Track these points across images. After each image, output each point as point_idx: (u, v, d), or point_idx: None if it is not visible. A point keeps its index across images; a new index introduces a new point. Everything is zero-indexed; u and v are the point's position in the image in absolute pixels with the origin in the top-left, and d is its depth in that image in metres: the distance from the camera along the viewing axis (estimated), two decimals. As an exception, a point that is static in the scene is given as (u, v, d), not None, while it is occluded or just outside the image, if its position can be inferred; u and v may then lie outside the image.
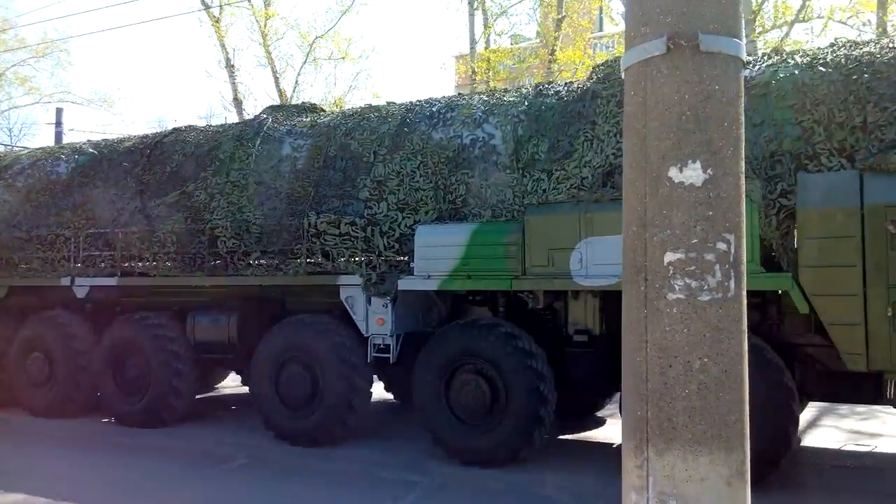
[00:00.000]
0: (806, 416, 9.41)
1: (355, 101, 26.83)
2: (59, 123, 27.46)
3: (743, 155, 2.65)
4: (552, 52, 23.32)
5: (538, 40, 27.04)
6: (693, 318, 2.48)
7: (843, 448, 8.44)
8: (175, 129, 10.67)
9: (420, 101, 8.93)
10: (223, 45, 25.24)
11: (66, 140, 26.58)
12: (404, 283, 8.01)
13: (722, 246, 2.51)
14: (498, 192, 7.84)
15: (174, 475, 7.39)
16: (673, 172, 2.56)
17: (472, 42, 23.77)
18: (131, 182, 10.16)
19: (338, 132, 8.99)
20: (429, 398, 7.78)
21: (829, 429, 9.42)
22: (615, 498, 6.50)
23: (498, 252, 7.52)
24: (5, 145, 46.28)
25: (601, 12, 32.83)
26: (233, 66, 25.33)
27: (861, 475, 7.37)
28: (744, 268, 2.57)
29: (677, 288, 2.51)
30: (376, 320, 8.19)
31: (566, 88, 8.11)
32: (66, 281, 10.26)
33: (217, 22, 25.03)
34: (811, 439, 8.85)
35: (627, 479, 2.55)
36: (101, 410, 10.10)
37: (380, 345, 8.19)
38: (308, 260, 8.66)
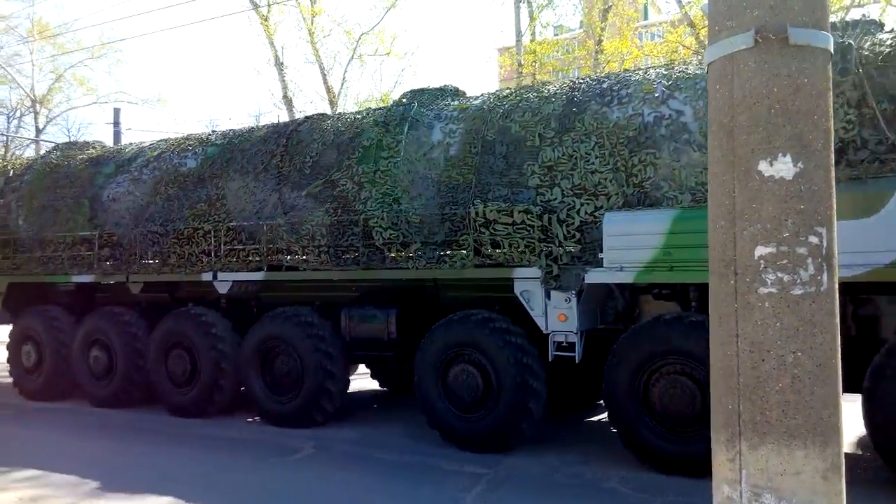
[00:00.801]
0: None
1: (401, 97, 26.90)
2: (117, 123, 28.11)
3: (832, 148, 2.63)
4: (598, 43, 23.16)
5: (582, 31, 26.85)
6: (786, 311, 2.48)
7: None
8: (308, 118, 10.30)
9: (584, 79, 8.39)
10: (272, 43, 25.60)
11: (123, 139, 27.24)
12: (593, 276, 7.35)
13: (814, 239, 2.51)
14: (696, 174, 7.15)
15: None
16: (763, 166, 2.57)
17: (518, 34, 23.71)
18: (270, 173, 9.75)
19: (494, 115, 8.39)
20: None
21: None
22: (678, 489, 6.54)
23: (706, 240, 7.10)
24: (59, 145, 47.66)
25: (647, 1, 32.46)
26: (282, 63, 25.67)
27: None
28: (836, 261, 2.56)
29: (769, 282, 2.51)
30: (557, 316, 7.61)
31: None
32: (207, 276, 9.96)
33: (265, 20, 25.38)
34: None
35: (719, 472, 2.56)
36: (244, 408, 10.11)
37: (562, 342, 7.63)
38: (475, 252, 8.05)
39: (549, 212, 7.68)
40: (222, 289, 9.92)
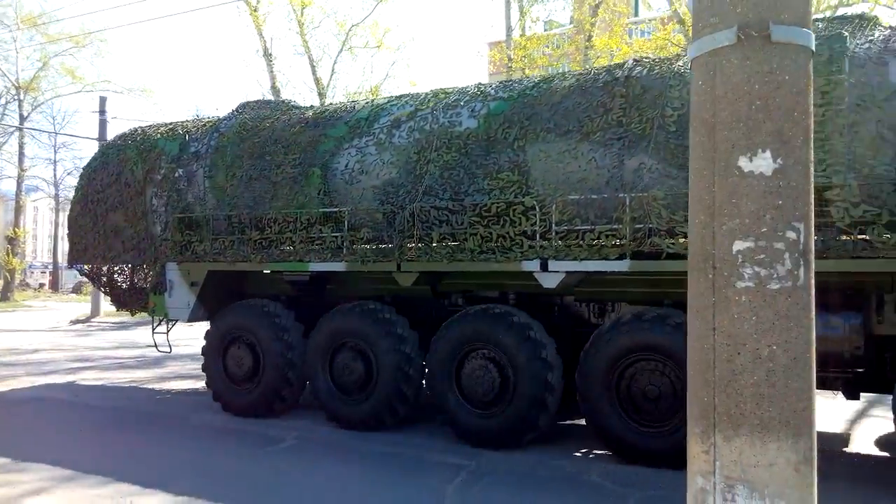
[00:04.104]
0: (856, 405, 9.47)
1: (391, 90, 26.99)
2: (102, 111, 27.94)
3: (812, 145, 2.66)
4: (589, 39, 23.20)
5: (572, 26, 26.89)
6: (762, 305, 2.51)
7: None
8: (637, 61, 8.03)
9: None
10: (261, 34, 25.50)
11: (109, 129, 27.07)
12: None
13: (791, 234, 2.54)
14: None
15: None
16: (743, 162, 2.59)
17: (509, 29, 23.73)
18: (608, 132, 7.54)
19: None
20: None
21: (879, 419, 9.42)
22: (659, 483, 6.60)
23: None
24: (49, 133, 47.28)
25: (637, -2, 32.52)
26: (270, 54, 25.58)
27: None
28: (812, 256, 2.59)
29: (746, 276, 2.54)
30: None
31: None
32: (530, 265, 7.67)
33: (255, 11, 25.27)
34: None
35: (694, 463, 2.60)
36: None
37: None
38: None
39: None
40: (550, 282, 7.66)
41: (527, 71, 22.29)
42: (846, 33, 6.90)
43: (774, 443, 2.43)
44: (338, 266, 8.81)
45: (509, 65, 22.84)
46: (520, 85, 8.69)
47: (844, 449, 8.11)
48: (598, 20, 23.43)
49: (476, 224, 7.95)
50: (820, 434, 8.49)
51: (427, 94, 9.36)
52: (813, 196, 2.64)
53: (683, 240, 6.68)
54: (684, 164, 6.54)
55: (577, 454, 7.63)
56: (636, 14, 35.89)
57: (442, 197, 8.27)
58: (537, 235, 7.63)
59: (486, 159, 8.21)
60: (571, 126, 7.78)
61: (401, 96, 9.65)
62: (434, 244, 8.21)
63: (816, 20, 7.56)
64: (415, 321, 8.73)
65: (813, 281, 2.59)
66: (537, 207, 7.64)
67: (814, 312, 2.59)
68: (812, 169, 2.65)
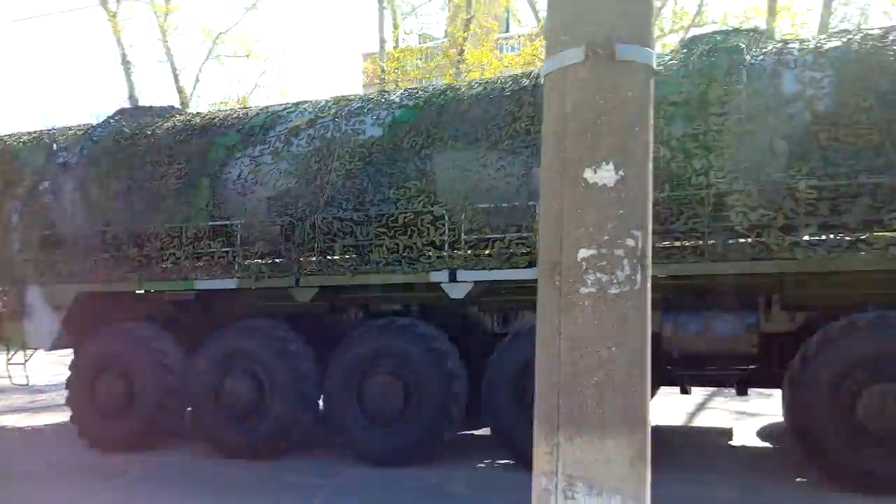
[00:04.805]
0: (695, 398, 10.20)
1: (260, 100, 26.51)
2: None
3: (651, 157, 2.83)
4: (461, 52, 23.62)
5: (446, 40, 27.31)
6: (603, 310, 2.63)
7: (727, 427, 9.30)
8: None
9: None
10: (119, 41, 24.45)
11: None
12: None
13: (630, 242, 2.68)
14: None
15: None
16: (588, 173, 2.71)
17: (382, 41, 23.82)
18: (517, 140, 7.63)
19: (887, 58, 6.88)
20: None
21: (716, 411, 10.17)
22: (523, 486, 6.74)
23: None
24: None
25: (508, 14, 33.43)
26: (129, 62, 24.55)
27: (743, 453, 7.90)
28: (649, 262, 2.75)
29: (589, 282, 2.66)
30: None
31: None
32: (438, 276, 7.55)
33: (114, 17, 24.20)
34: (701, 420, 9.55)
35: (539, 464, 2.68)
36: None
37: None
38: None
39: None
40: (457, 292, 7.56)
41: (400, 83, 22.43)
42: (743, 45, 7.42)
43: (612, 440, 2.55)
44: (228, 283, 8.28)
45: (383, 76, 22.90)
46: (425, 93, 8.71)
47: (730, 442, 8.74)
48: (469, 34, 23.88)
49: (382, 235, 7.83)
50: (703, 429, 9.26)
51: (328, 101, 9.16)
52: (651, 205, 2.81)
53: None
54: None
55: (441, 466, 7.65)
56: (507, 30, 36.85)
57: (345, 207, 8.08)
58: (446, 245, 7.59)
59: (391, 168, 8.11)
60: (479, 134, 7.84)
61: (298, 103, 9.33)
62: (337, 257, 7.99)
63: (715, 32, 8.18)
64: (310, 338, 8.39)
65: (650, 285, 2.75)
66: (446, 217, 7.59)
67: (650, 314, 2.74)
68: (651, 180, 2.82)
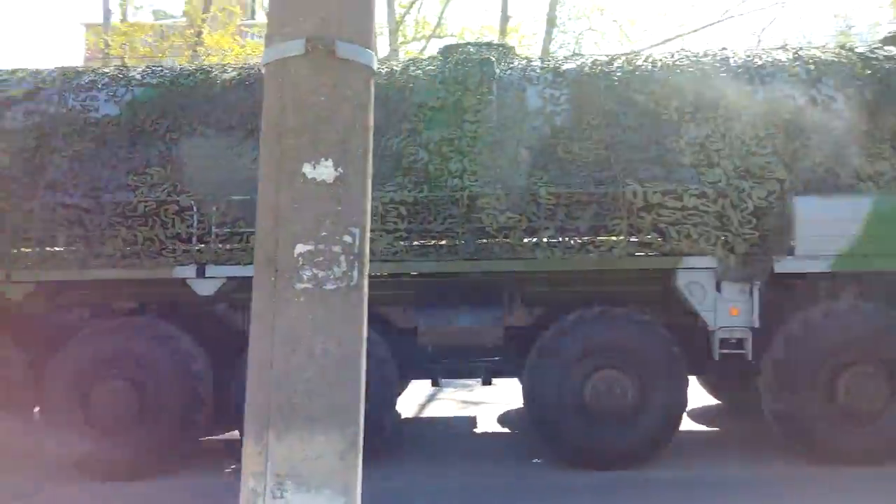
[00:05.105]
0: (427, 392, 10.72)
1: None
2: None
3: (371, 156, 2.88)
4: (199, 34, 22.51)
5: (184, 19, 25.92)
6: (318, 305, 2.64)
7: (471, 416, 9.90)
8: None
9: (717, 51, 8.05)
10: None
11: None
12: (784, 265, 7.01)
13: (348, 238, 2.71)
14: (869, 161, 7.23)
15: None
16: (307, 169, 2.69)
17: (107, 11, 21.95)
18: (254, 129, 7.18)
19: (612, 82, 7.69)
20: None
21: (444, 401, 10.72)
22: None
23: None
24: None
25: (254, 1, 32.53)
26: None
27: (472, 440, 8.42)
28: (367, 259, 2.80)
29: (305, 278, 2.64)
30: (729, 310, 7.10)
31: None
32: (185, 272, 7.05)
33: None
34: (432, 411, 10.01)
35: (247, 465, 2.61)
36: None
37: (729, 339, 7.16)
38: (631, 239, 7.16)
39: (723, 196, 7.15)
40: (206, 289, 7.09)
41: (127, 59, 20.79)
42: (493, 58, 7.89)
43: (322, 435, 2.56)
44: None
45: (106, 51, 21.08)
46: (172, 72, 8.17)
47: (474, 430, 9.28)
48: (209, 17, 22.83)
49: (118, 225, 7.18)
50: (450, 419, 9.75)
51: (51, 71, 8.22)
52: (370, 204, 2.86)
53: None
54: None
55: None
56: (252, 17, 35.81)
57: (72, 193, 7.28)
58: (194, 238, 7.16)
59: (130, 152, 7.51)
60: (234, 122, 7.54)
61: (14, 71, 8.27)
62: (61, 248, 7.19)
63: (469, 44, 8.75)
64: (21, 342, 7.41)
65: (366, 281, 2.80)
66: (195, 208, 7.13)
67: (366, 310, 2.80)
68: (370, 180, 2.87)
